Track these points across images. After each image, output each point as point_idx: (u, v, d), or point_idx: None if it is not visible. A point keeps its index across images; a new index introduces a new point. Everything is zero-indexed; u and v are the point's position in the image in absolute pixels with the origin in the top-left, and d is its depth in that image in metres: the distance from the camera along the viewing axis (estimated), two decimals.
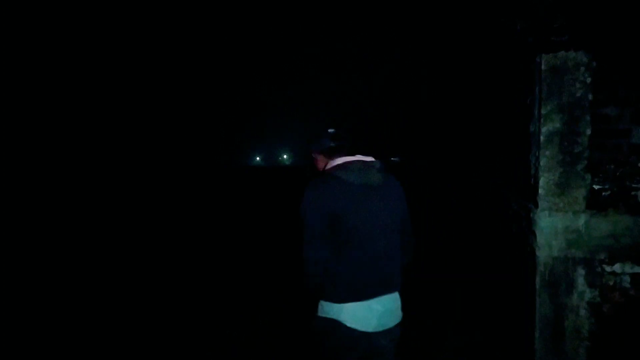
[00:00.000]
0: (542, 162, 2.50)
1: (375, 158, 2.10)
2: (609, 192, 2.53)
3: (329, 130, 2.13)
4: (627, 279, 2.54)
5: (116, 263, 6.79)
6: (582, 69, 2.47)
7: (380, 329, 1.96)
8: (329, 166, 2.06)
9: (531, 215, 2.62)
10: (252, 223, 10.57)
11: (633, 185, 2.51)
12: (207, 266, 6.76)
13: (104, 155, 12.17)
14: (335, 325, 1.93)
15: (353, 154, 2.07)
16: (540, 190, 2.52)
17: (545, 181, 2.51)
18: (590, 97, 2.48)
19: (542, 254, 2.53)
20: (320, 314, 2.02)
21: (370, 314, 1.93)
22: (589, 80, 2.48)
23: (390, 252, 2.01)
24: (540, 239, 2.53)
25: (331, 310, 1.95)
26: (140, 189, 13.29)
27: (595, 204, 2.52)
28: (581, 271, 2.54)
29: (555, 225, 2.50)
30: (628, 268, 2.53)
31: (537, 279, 2.56)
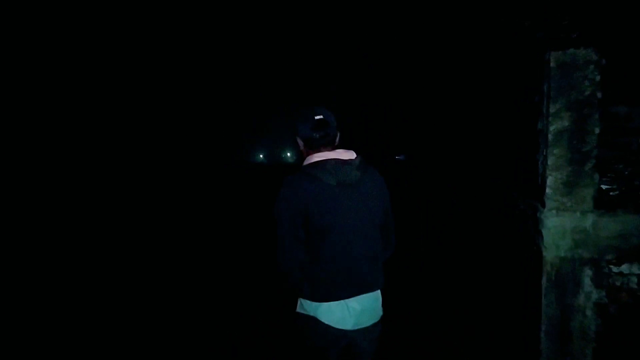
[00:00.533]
0: (550, 160, 2.46)
1: (356, 152, 2.03)
2: (617, 192, 2.49)
3: (315, 117, 1.99)
4: (635, 279, 2.50)
5: (118, 261, 6.78)
6: (592, 66, 2.43)
7: (358, 327, 1.95)
8: (307, 160, 2.00)
9: (538, 214, 2.58)
10: (250, 220, 10.55)
11: None
12: (208, 264, 6.75)
13: (111, 154, 12.20)
14: (313, 322, 1.94)
15: (334, 148, 2.01)
16: (547, 190, 2.48)
17: (552, 180, 2.47)
18: (599, 95, 2.44)
19: (549, 254, 2.49)
20: (299, 310, 2.02)
21: (347, 312, 1.92)
22: (598, 78, 2.44)
23: (369, 251, 1.97)
24: (547, 239, 2.49)
25: (309, 307, 1.95)
26: (145, 187, 13.31)
27: (603, 204, 2.48)
28: (588, 272, 2.50)
29: (562, 225, 2.46)
30: (636, 269, 2.49)
31: (544, 280, 2.52)
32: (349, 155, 1.99)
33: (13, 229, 7.66)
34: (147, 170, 14.41)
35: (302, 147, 2.06)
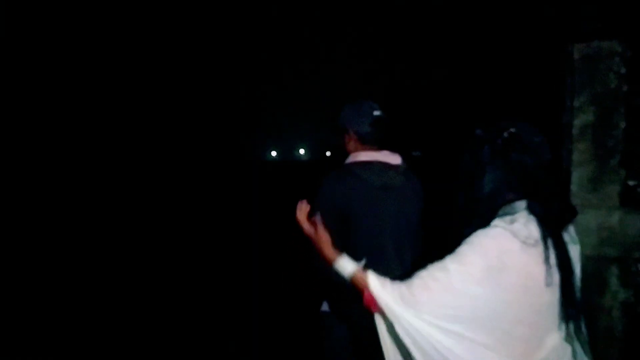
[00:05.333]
0: (575, 156, 2.40)
1: (400, 155, 2.02)
2: None
3: (374, 113, 1.94)
4: None
5: (123, 258, 6.78)
6: (617, 58, 2.36)
7: None
8: (353, 157, 1.97)
9: None
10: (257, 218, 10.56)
11: None
12: (214, 261, 6.75)
13: (124, 151, 12.38)
14: (340, 320, 1.95)
15: (382, 148, 1.99)
16: (572, 186, 2.42)
17: (577, 176, 2.41)
18: (624, 88, 2.37)
19: None
20: (325, 309, 2.02)
21: None
22: (623, 70, 2.37)
23: (401, 255, 1.96)
24: None
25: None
26: (156, 185, 13.43)
27: (629, 201, 2.41)
28: (614, 270, 2.43)
29: (587, 223, 2.39)
30: None
31: None
32: (396, 159, 1.97)
33: (15, 223, 7.69)
34: (157, 169, 14.55)
35: (349, 141, 2.03)
